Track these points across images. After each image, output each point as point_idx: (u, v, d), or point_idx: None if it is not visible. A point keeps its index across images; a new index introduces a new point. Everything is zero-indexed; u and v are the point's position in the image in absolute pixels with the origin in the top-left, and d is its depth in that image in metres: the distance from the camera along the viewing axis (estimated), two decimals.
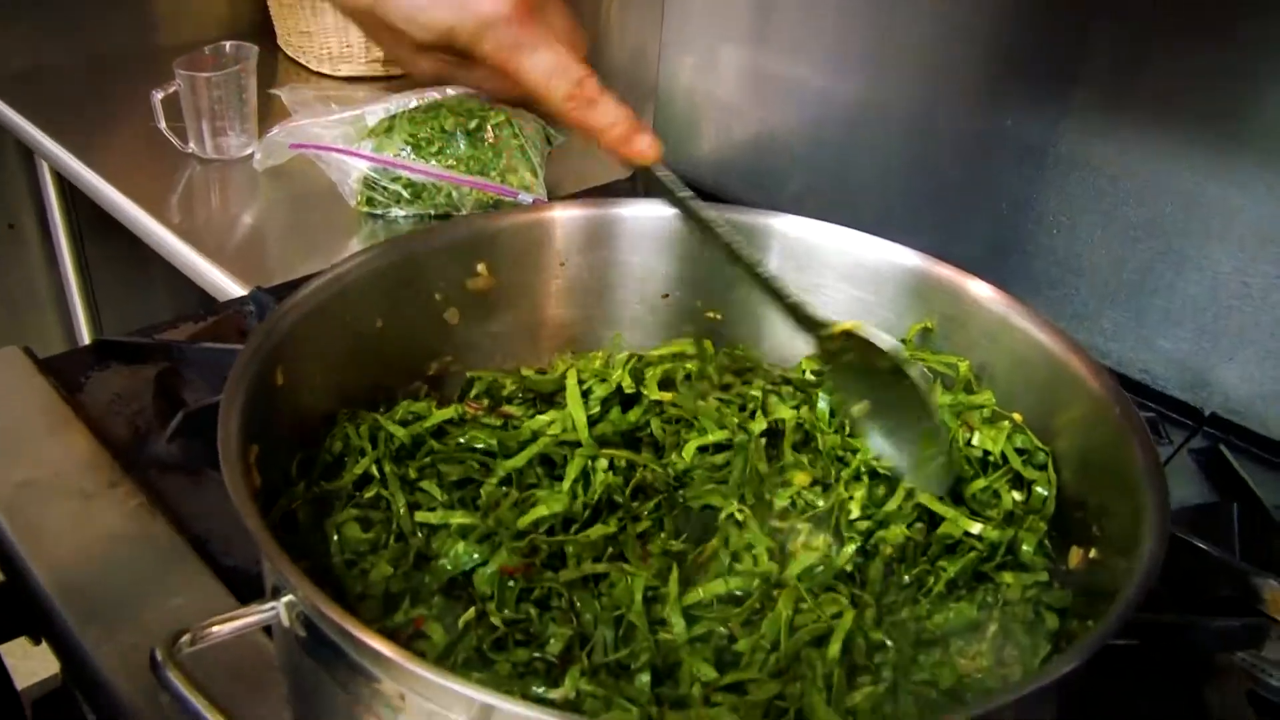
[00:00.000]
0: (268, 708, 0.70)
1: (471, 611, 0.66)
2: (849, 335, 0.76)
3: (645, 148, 0.70)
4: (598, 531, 0.72)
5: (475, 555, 0.69)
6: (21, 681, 0.99)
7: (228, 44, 1.60)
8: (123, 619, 0.75)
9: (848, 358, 0.78)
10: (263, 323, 0.71)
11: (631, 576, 0.68)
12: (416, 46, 0.64)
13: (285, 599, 0.55)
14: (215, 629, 0.54)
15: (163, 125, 1.57)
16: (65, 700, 0.83)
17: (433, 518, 0.72)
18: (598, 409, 0.84)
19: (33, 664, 1.00)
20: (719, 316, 0.95)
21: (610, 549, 0.72)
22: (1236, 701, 0.80)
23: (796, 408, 0.85)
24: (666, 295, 0.95)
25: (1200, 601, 0.85)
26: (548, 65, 0.64)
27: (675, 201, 0.75)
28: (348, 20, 0.66)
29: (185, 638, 0.53)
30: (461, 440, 0.79)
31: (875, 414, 0.81)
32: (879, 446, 0.80)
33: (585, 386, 0.85)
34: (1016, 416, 0.80)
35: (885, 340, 0.75)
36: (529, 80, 0.64)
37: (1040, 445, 0.78)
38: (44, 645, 0.91)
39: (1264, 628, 0.80)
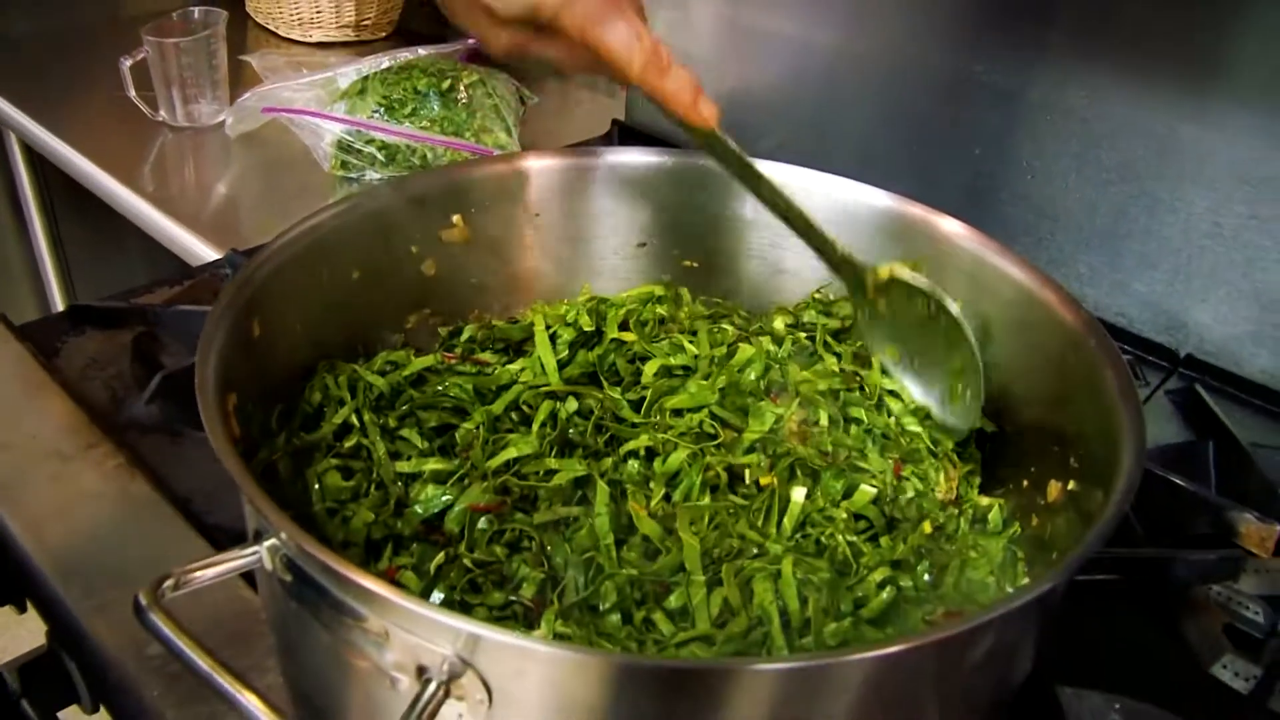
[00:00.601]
0: (252, 660, 0.70)
1: (441, 555, 0.67)
2: (892, 280, 0.81)
3: (709, 112, 0.72)
4: (566, 475, 0.72)
5: (446, 497, 0.70)
6: (9, 653, 0.99)
7: (196, 10, 1.58)
8: (106, 575, 0.76)
9: (883, 305, 0.83)
10: (238, 273, 0.70)
11: (595, 519, 0.69)
12: (499, 21, 0.66)
13: (268, 543, 0.55)
14: (198, 574, 0.54)
15: (132, 94, 1.56)
16: (53, 663, 0.83)
17: (408, 466, 0.73)
18: (566, 353, 0.85)
19: (19, 635, 0.99)
20: (696, 264, 0.95)
21: (580, 491, 0.72)
22: (1214, 635, 0.81)
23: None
24: (643, 244, 0.95)
25: (1178, 537, 0.86)
26: (625, 36, 0.66)
27: (737, 163, 0.78)
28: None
29: (169, 582, 0.53)
30: (440, 388, 0.79)
31: (904, 357, 0.85)
32: (908, 387, 0.85)
33: (551, 331, 0.85)
34: None
35: (924, 282, 0.80)
36: (610, 50, 0.66)
37: None
38: (29, 615, 0.91)
39: (1238, 559, 0.81)
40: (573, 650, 0.48)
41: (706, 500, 0.71)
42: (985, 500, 0.79)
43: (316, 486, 0.71)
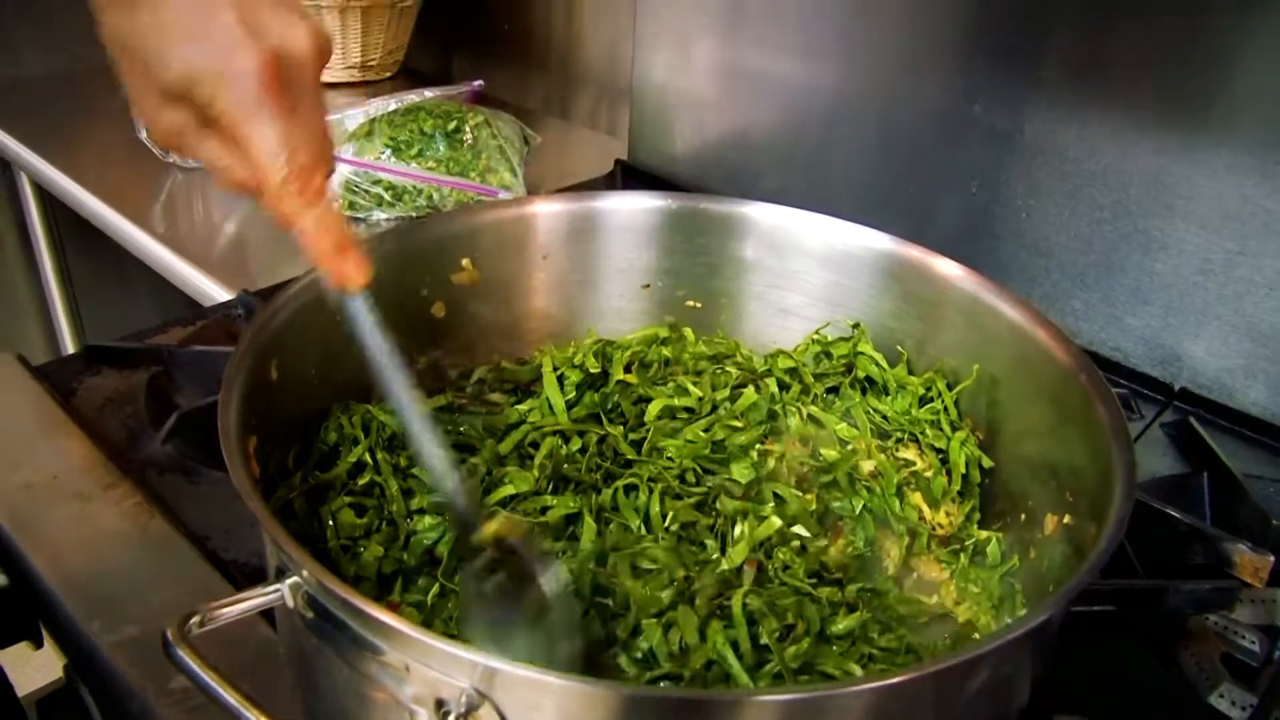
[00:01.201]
0: (271, 695, 0.71)
1: (436, 587, 0.70)
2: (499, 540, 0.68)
3: (353, 271, 0.64)
4: (558, 512, 0.75)
5: (441, 528, 0.73)
6: (23, 688, 1.01)
7: None
8: (127, 611, 0.77)
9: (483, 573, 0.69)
10: (256, 317, 0.73)
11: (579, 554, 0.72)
12: (164, 92, 0.60)
13: (289, 580, 0.57)
14: (223, 610, 0.56)
15: (144, 135, 1.58)
16: (69, 698, 0.85)
17: (418, 503, 0.76)
18: (573, 394, 0.88)
19: (32, 673, 1.01)
20: (699, 305, 0.98)
21: (571, 528, 0.76)
22: (1211, 664, 0.83)
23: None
24: (648, 285, 0.97)
25: (1174, 569, 0.88)
26: (278, 139, 0.58)
27: (361, 343, 0.66)
28: (113, 56, 0.61)
29: (195, 619, 0.54)
30: (449, 428, 0.81)
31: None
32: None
33: (559, 373, 0.88)
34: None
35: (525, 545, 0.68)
36: (254, 148, 0.59)
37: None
38: (45, 650, 0.93)
39: (1233, 589, 0.83)
40: (588, 684, 0.50)
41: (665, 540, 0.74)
42: (984, 534, 0.81)
43: (331, 523, 0.73)
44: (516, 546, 0.66)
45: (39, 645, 0.92)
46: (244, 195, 0.62)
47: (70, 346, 2.09)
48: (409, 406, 0.67)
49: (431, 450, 0.67)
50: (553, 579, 0.65)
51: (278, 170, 0.59)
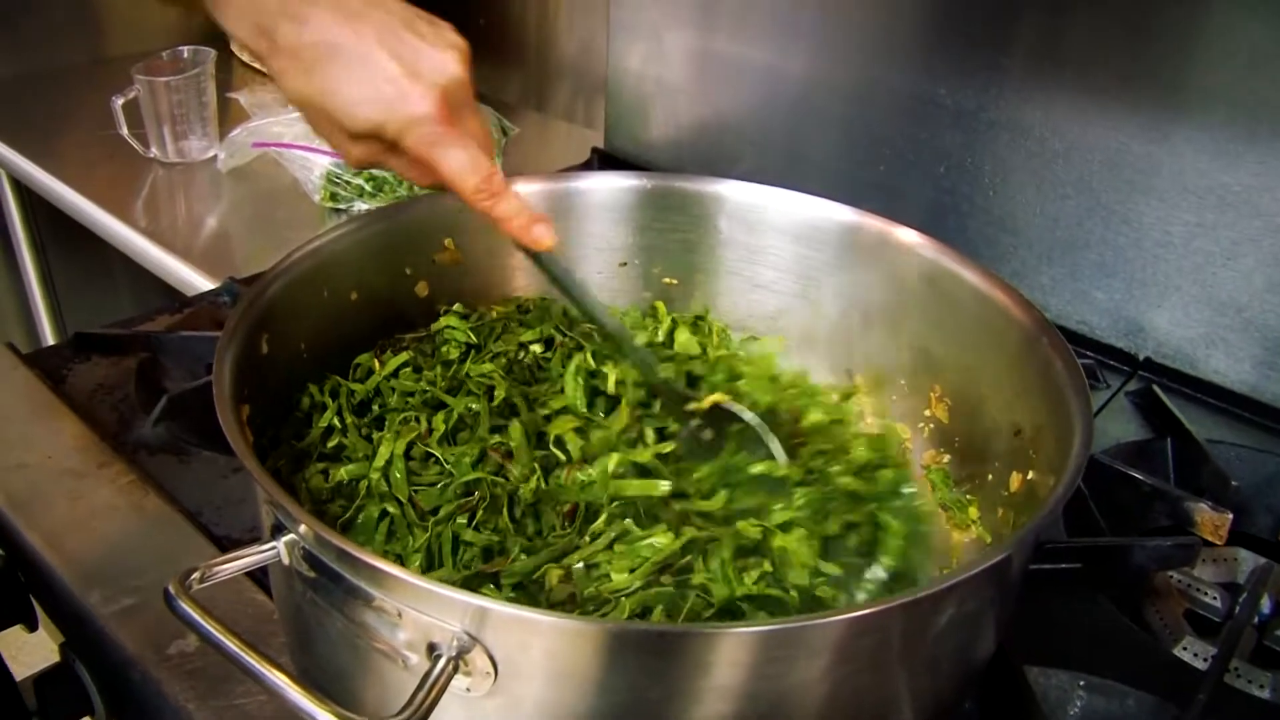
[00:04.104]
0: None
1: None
2: (715, 406, 0.84)
3: (542, 236, 0.76)
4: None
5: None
6: (18, 675, 1.02)
7: (185, 49, 1.63)
8: (124, 583, 0.79)
9: (706, 431, 0.85)
10: (249, 292, 0.75)
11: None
12: (351, 136, 0.70)
13: (285, 538, 0.59)
14: (222, 567, 0.58)
15: (124, 131, 1.60)
16: (66, 676, 0.86)
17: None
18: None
19: (26, 659, 1.02)
20: (676, 281, 1.01)
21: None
22: (1175, 619, 0.86)
23: None
24: (625, 263, 1.00)
25: (1139, 529, 0.91)
26: (461, 161, 0.70)
27: (564, 289, 0.81)
28: (296, 108, 0.72)
29: (195, 575, 0.57)
30: (411, 389, 0.86)
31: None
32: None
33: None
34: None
35: (750, 416, 0.83)
36: (445, 172, 0.70)
37: None
38: (39, 635, 0.94)
39: (1194, 546, 0.85)
40: (572, 620, 0.53)
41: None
42: (963, 499, 0.84)
43: (304, 488, 0.77)
44: (726, 406, 0.84)
45: (34, 628, 0.94)
46: (437, 190, 0.75)
47: (51, 340, 2.10)
48: (612, 320, 0.83)
49: (639, 350, 0.86)
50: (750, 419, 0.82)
51: (469, 184, 0.71)
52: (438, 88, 0.69)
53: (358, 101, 0.68)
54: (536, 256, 0.78)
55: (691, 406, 0.84)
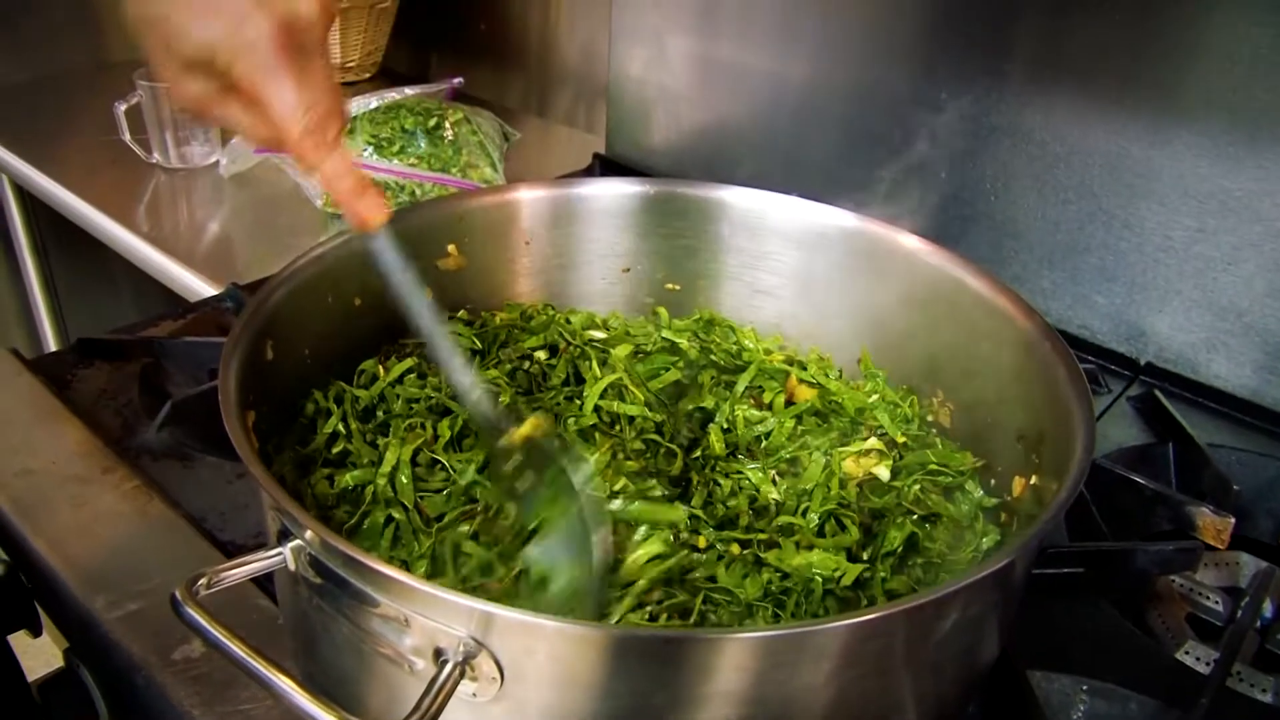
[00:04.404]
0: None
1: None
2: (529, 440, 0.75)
3: (372, 209, 0.70)
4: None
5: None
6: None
7: None
8: (129, 588, 0.79)
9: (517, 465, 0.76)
10: (253, 298, 0.75)
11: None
12: (185, 63, 0.65)
13: (291, 544, 0.59)
14: (229, 573, 0.58)
15: (127, 136, 1.60)
16: (70, 681, 0.87)
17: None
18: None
19: (29, 663, 1.02)
20: (678, 287, 1.01)
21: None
22: (1177, 624, 0.86)
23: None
24: (628, 269, 1.00)
25: (1141, 534, 0.91)
26: (294, 97, 0.65)
27: (385, 276, 0.72)
28: (135, 33, 0.67)
29: (202, 581, 0.57)
30: (415, 395, 0.86)
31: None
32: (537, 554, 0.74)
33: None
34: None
35: (558, 445, 0.75)
36: (273, 107, 0.65)
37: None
38: (43, 639, 0.94)
39: (1195, 550, 0.85)
40: (578, 625, 0.53)
41: None
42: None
43: (310, 494, 0.77)
44: (545, 445, 0.73)
45: (37, 633, 0.94)
46: (269, 149, 0.67)
47: (53, 345, 2.10)
48: (435, 329, 0.73)
49: (456, 365, 0.74)
50: (582, 472, 0.72)
51: (296, 124, 0.65)
52: (281, 15, 0.64)
53: (193, 19, 0.63)
54: (367, 241, 0.71)
55: (503, 442, 0.75)
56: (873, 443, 0.86)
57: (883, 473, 0.83)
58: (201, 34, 0.63)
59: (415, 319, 0.73)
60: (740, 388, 0.91)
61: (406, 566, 0.72)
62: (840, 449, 0.85)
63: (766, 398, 0.92)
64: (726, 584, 0.69)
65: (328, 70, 0.68)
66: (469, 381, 0.75)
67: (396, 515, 0.75)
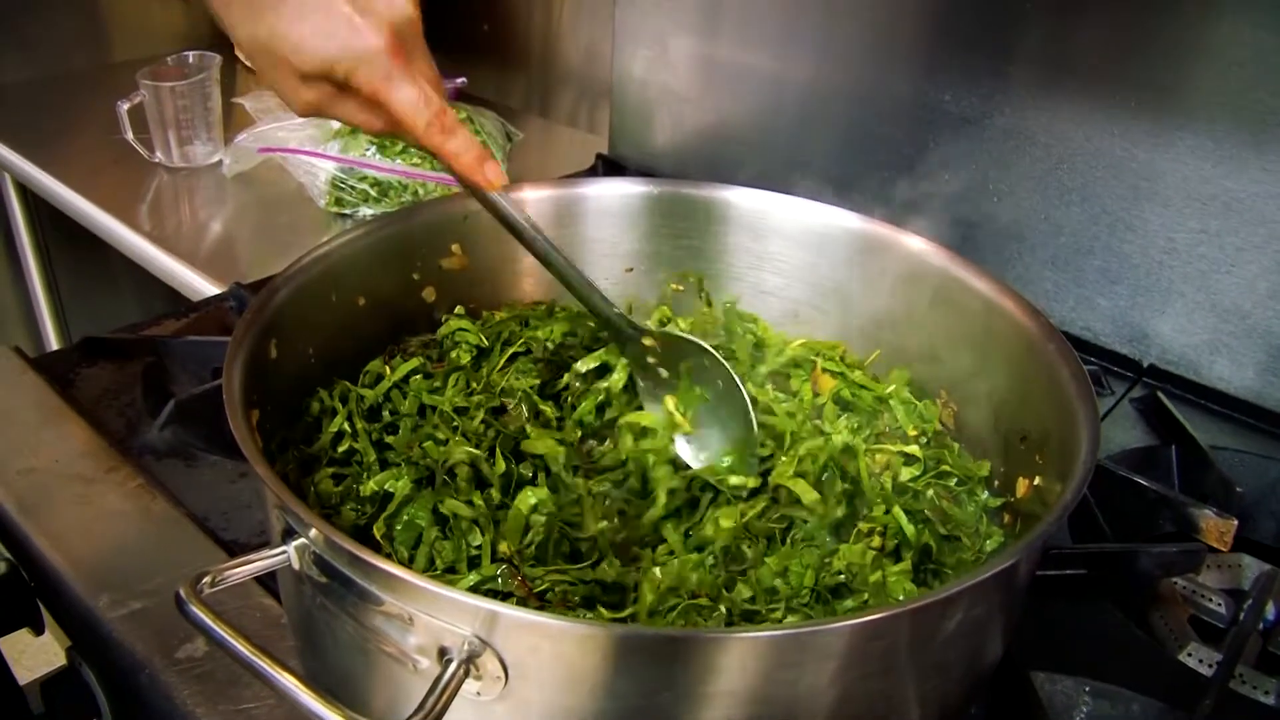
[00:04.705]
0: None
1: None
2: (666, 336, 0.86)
3: (492, 175, 0.76)
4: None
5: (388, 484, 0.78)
6: (23, 679, 1.02)
7: (190, 54, 1.64)
8: (132, 587, 0.79)
9: (659, 361, 0.87)
10: (257, 297, 0.75)
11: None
12: (301, 76, 0.69)
13: (295, 543, 0.59)
14: (233, 571, 0.58)
15: (130, 136, 1.60)
16: (72, 680, 0.87)
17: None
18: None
19: (30, 662, 1.03)
20: (681, 288, 1.01)
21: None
22: (1180, 626, 0.86)
23: None
24: (631, 269, 1.00)
25: (1144, 536, 0.91)
26: (412, 97, 0.70)
27: (511, 227, 0.81)
28: (247, 55, 0.72)
29: (206, 579, 0.57)
30: (423, 396, 0.86)
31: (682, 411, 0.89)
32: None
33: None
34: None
35: (695, 338, 0.86)
36: (397, 108, 0.70)
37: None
38: (46, 637, 0.94)
39: (1199, 552, 0.85)
40: (583, 624, 0.53)
41: None
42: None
43: (313, 491, 0.77)
44: (679, 340, 0.86)
45: (40, 632, 0.94)
46: (388, 136, 0.75)
47: (55, 344, 2.11)
48: (561, 259, 0.82)
49: (596, 298, 0.84)
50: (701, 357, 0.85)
51: (420, 120, 0.71)
52: (389, 23, 0.68)
53: (308, 39, 0.67)
54: (486, 198, 0.78)
55: (647, 342, 0.86)
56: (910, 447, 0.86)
57: (905, 472, 0.83)
58: (319, 50, 0.68)
59: (546, 257, 0.82)
60: (763, 370, 0.92)
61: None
62: (874, 446, 0.85)
63: (794, 385, 0.92)
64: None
65: (430, 60, 0.74)
66: (612, 311, 0.85)
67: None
